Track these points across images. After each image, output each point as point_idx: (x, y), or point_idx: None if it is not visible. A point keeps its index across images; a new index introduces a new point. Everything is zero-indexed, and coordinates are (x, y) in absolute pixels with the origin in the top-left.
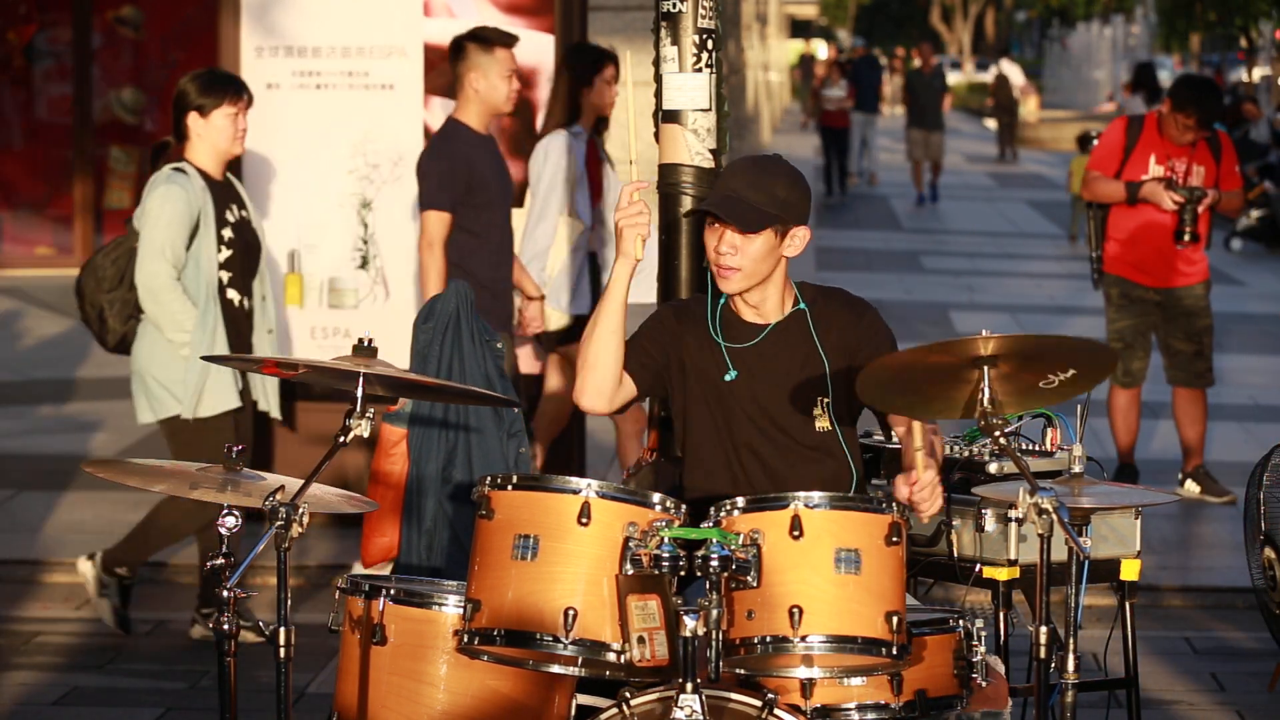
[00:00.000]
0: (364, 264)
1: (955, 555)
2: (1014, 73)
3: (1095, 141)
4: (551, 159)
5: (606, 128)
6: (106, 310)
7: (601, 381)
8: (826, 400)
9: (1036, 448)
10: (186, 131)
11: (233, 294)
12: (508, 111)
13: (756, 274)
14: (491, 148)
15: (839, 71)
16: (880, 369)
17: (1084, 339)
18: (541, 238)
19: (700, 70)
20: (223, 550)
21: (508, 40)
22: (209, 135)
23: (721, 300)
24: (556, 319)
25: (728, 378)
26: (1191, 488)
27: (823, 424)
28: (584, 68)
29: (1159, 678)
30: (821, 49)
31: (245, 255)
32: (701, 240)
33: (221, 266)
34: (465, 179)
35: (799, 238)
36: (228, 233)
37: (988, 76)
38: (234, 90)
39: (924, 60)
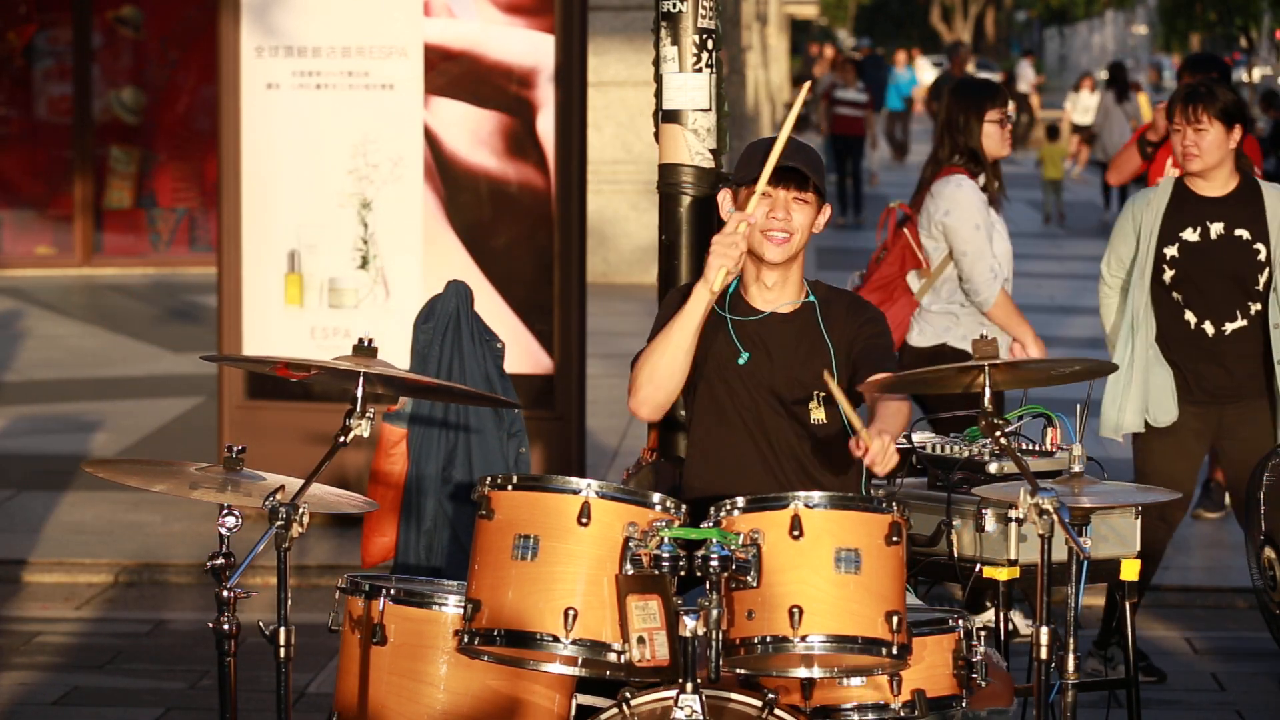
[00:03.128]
0: (364, 264)
1: (955, 555)
2: (1026, 71)
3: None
4: None
5: None
6: None
7: (668, 398)
8: (822, 395)
9: (1036, 448)
10: None
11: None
12: None
13: (798, 245)
14: None
15: (853, 71)
16: (879, 383)
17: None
18: None
19: (700, 70)
20: (223, 550)
21: None
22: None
23: (733, 286)
24: None
25: (741, 360)
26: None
27: (818, 415)
28: None
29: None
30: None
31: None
32: (703, 241)
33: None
34: None
35: (825, 215)
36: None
37: (994, 77)
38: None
39: (959, 65)
